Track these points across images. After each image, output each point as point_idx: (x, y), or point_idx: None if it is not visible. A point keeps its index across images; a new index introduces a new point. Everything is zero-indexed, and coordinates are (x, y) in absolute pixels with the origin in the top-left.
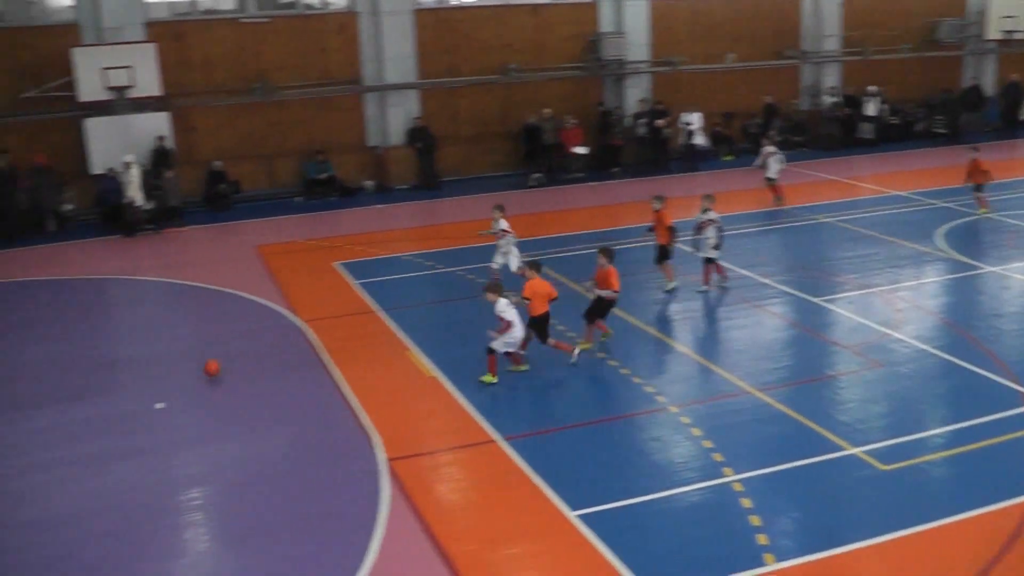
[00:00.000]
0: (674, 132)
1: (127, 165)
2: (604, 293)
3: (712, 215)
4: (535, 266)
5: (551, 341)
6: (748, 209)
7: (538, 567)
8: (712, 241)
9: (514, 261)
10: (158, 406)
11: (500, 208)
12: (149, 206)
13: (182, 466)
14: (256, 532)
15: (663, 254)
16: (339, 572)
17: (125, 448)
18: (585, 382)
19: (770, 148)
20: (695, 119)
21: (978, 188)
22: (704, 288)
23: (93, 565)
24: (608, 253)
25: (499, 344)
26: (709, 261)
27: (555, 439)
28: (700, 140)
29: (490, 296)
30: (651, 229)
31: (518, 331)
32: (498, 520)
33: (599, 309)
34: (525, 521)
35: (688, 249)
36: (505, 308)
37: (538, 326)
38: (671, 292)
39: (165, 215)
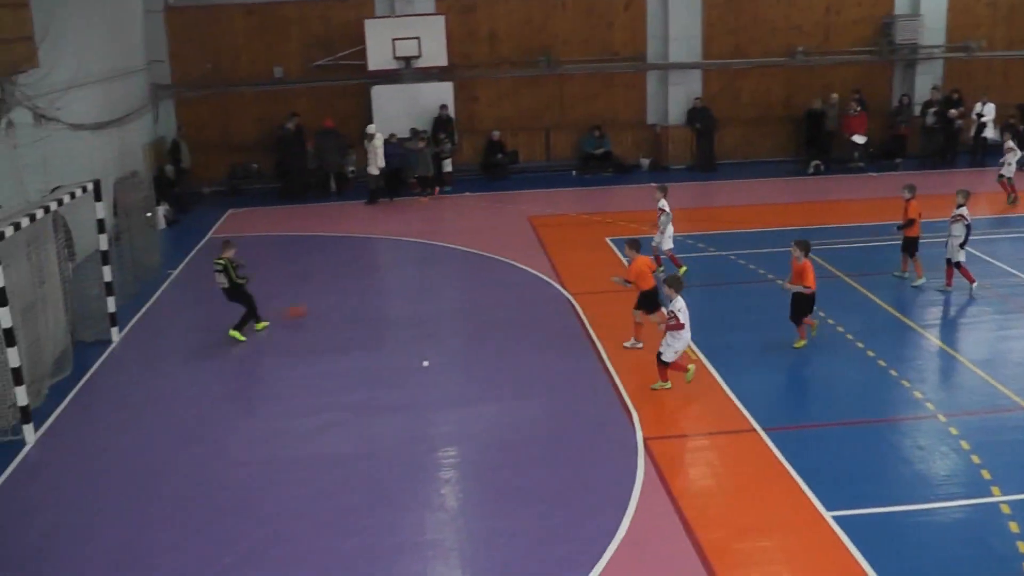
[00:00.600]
0: (967, 124)
1: (370, 136)
2: (795, 288)
3: (962, 211)
4: (635, 244)
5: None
6: None
7: (787, 562)
8: (958, 239)
9: (667, 242)
10: (424, 364)
11: (663, 189)
12: (379, 179)
13: (443, 423)
14: (510, 495)
15: (908, 246)
16: (588, 545)
17: (391, 401)
18: (852, 380)
19: (1010, 144)
20: (988, 110)
21: None
22: (946, 288)
23: (352, 507)
24: (803, 246)
25: (669, 354)
26: (953, 262)
27: (816, 435)
28: (991, 133)
29: (669, 291)
30: (900, 227)
31: (687, 334)
32: (751, 510)
33: (800, 307)
34: (778, 515)
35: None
36: (682, 308)
37: (647, 300)
38: (917, 287)
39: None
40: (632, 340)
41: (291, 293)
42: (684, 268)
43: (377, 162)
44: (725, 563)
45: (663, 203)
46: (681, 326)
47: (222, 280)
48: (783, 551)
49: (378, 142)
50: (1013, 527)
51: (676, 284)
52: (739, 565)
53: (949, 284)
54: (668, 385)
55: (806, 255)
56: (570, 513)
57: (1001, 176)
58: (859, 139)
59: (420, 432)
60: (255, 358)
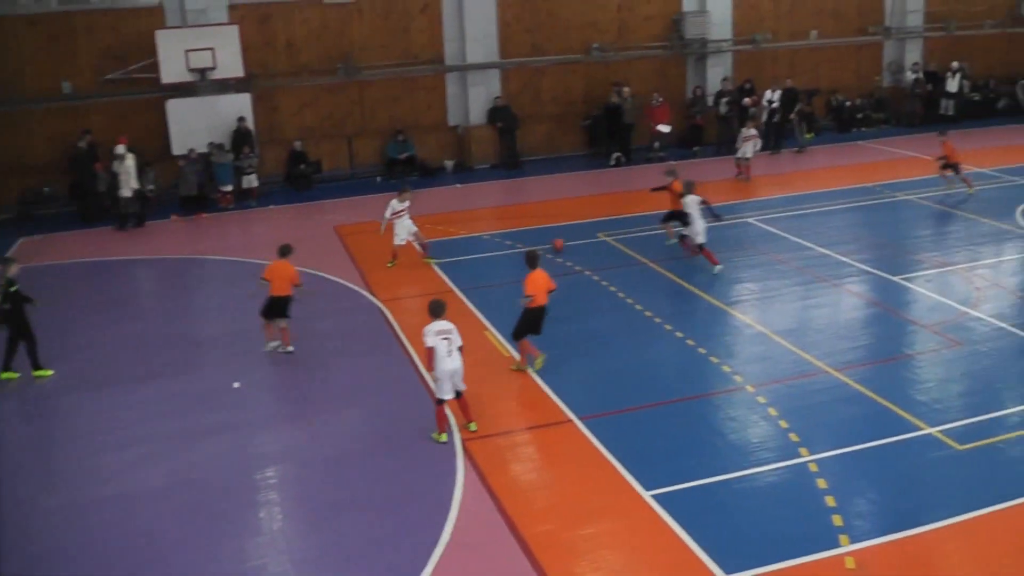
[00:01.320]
0: (759, 111)
1: (120, 156)
2: (523, 300)
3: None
4: (533, 258)
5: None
6: (828, 187)
7: (614, 546)
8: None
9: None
10: (236, 384)
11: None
12: (132, 202)
13: (261, 444)
14: (332, 511)
15: (672, 217)
16: (414, 552)
17: (205, 426)
18: (662, 361)
19: (751, 131)
20: (779, 97)
21: None
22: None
23: (177, 540)
24: (528, 258)
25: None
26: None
27: (631, 419)
28: (794, 115)
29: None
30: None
31: (441, 365)
32: (574, 500)
33: (524, 323)
34: (601, 501)
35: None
36: (430, 332)
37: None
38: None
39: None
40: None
41: (93, 323)
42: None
43: (130, 184)
44: (551, 555)
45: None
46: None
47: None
48: (608, 536)
49: (129, 163)
50: (821, 483)
51: (434, 309)
52: (566, 555)
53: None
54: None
55: (532, 268)
56: (395, 521)
57: (741, 159)
58: (664, 128)
59: (238, 455)
60: (57, 395)
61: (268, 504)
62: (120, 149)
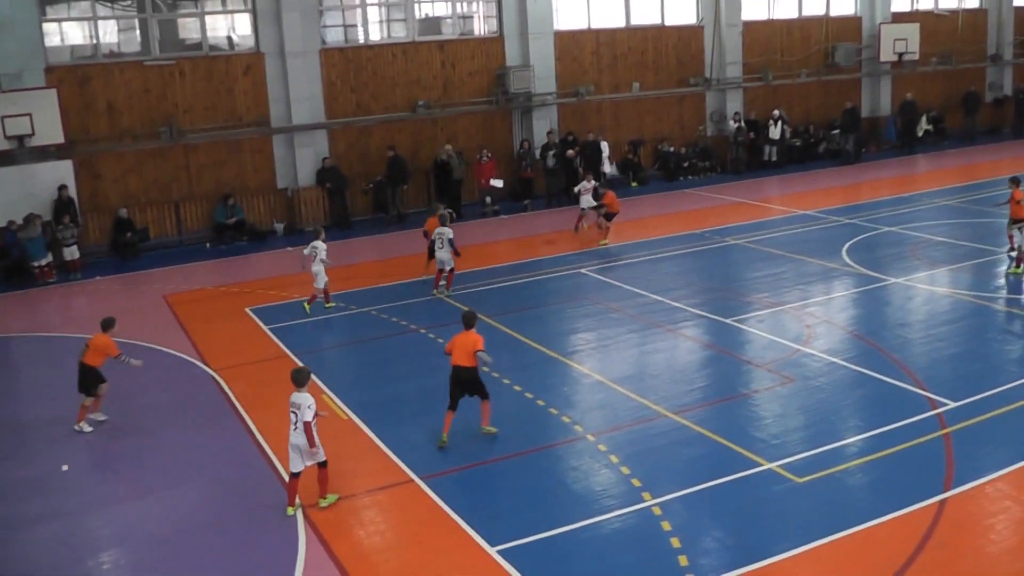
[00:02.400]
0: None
1: None
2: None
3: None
4: (469, 319)
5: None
6: (659, 235)
7: None
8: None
9: None
10: (64, 467)
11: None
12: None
13: (92, 530)
14: None
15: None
16: None
17: (32, 514)
18: (502, 416)
19: (588, 184)
20: (603, 147)
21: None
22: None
23: None
24: (466, 319)
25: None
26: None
27: (473, 475)
28: (609, 168)
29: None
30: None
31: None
32: (418, 560)
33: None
34: (446, 560)
35: None
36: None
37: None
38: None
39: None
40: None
41: None
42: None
43: None
44: None
45: None
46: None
47: None
48: None
49: None
50: (666, 526)
51: (295, 378)
52: None
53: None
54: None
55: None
56: None
57: (584, 209)
58: (496, 183)
59: (69, 542)
60: None
61: None
62: None
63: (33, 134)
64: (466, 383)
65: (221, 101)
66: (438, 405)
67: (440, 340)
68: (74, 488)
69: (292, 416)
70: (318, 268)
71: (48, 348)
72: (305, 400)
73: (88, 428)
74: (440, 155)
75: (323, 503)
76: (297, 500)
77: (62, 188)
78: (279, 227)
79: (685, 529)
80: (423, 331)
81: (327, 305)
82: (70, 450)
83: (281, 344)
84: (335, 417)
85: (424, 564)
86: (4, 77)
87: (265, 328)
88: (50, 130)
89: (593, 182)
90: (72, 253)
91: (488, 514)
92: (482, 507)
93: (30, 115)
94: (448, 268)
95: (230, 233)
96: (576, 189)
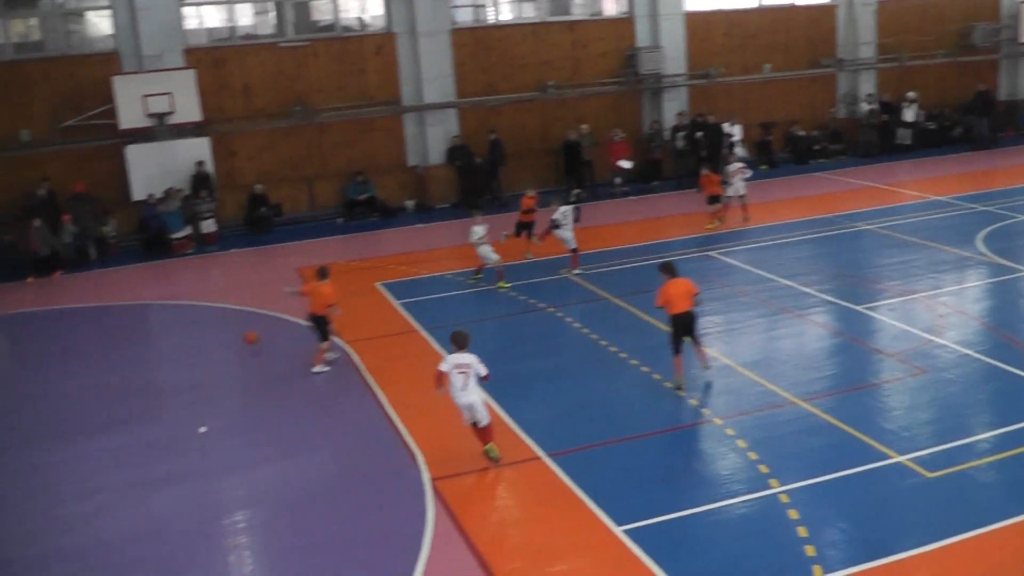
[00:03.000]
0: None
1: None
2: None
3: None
4: (671, 267)
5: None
6: (788, 219)
7: None
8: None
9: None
10: (201, 430)
11: None
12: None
13: (227, 490)
14: (302, 554)
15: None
16: None
17: (170, 473)
18: (630, 396)
19: (737, 164)
20: (736, 130)
21: None
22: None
23: None
24: (668, 268)
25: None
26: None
27: (600, 454)
28: (740, 151)
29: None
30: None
31: (454, 393)
32: (543, 537)
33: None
34: (571, 537)
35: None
36: (443, 363)
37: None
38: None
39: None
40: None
41: (54, 373)
42: None
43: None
44: None
45: None
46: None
47: None
48: (579, 572)
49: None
50: (792, 514)
51: (456, 340)
52: None
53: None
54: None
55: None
56: (365, 564)
57: (729, 197)
58: (625, 164)
59: (204, 501)
60: (12, 448)
61: (236, 549)
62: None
63: (173, 112)
64: (688, 325)
65: (353, 81)
66: (566, 384)
67: (568, 319)
68: (209, 450)
69: (458, 378)
70: (483, 249)
71: (184, 316)
72: (474, 358)
73: (325, 368)
74: (570, 135)
75: (493, 452)
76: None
77: (200, 164)
78: (409, 204)
79: (812, 519)
80: (551, 310)
81: (474, 277)
82: (206, 414)
83: (411, 319)
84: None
85: (549, 541)
86: (146, 58)
87: (395, 303)
88: (189, 109)
89: (738, 164)
90: (209, 226)
91: (614, 493)
92: (608, 486)
93: (170, 94)
94: (572, 248)
95: (361, 209)
96: (724, 171)
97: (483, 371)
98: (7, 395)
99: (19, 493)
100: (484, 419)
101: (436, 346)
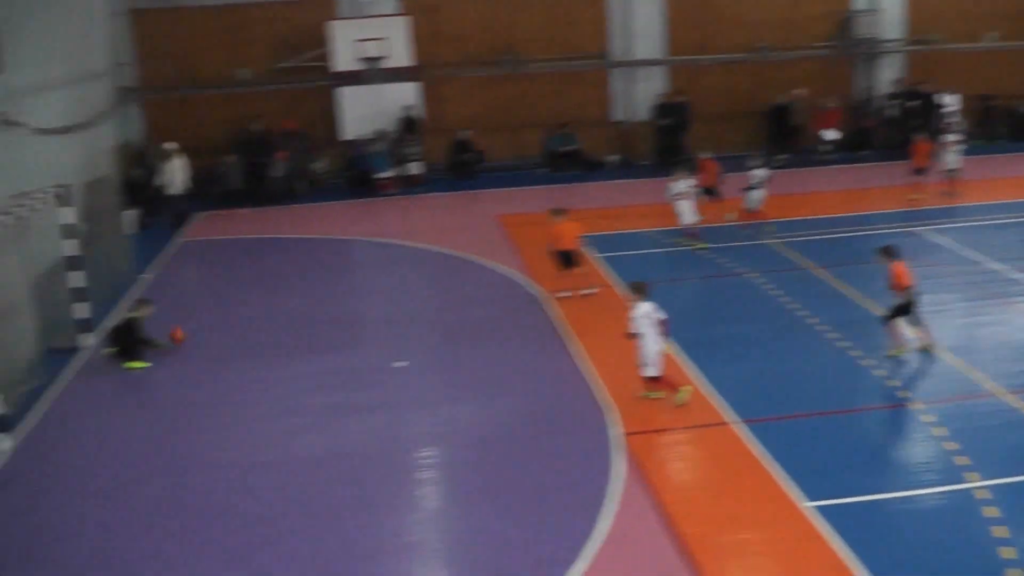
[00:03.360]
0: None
1: (168, 154)
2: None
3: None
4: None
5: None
6: (1004, 199)
7: (769, 554)
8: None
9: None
10: (397, 364)
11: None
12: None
13: (418, 424)
14: (487, 495)
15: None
16: (569, 543)
17: (365, 402)
18: (826, 371)
19: (952, 136)
20: (953, 101)
21: None
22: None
23: (330, 509)
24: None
25: (647, 369)
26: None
27: (793, 426)
28: (956, 122)
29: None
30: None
31: (650, 344)
32: (730, 503)
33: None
34: (758, 507)
35: None
36: (640, 315)
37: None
38: None
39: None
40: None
41: (259, 297)
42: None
43: (177, 183)
44: (707, 557)
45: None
46: (633, 336)
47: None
48: (765, 543)
49: (178, 162)
50: (990, 512)
51: (638, 289)
52: (721, 558)
53: None
54: (659, 395)
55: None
56: (550, 511)
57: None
58: (829, 134)
59: (396, 433)
60: (228, 362)
61: (423, 483)
62: (169, 146)
63: (385, 57)
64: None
65: (563, 33)
66: (762, 352)
67: (767, 286)
68: (406, 384)
69: (651, 326)
70: (680, 206)
71: (387, 253)
72: (654, 306)
73: (568, 294)
74: (781, 99)
75: (682, 394)
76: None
77: (409, 108)
78: (612, 159)
79: (1013, 520)
80: (750, 275)
81: (677, 241)
82: (403, 349)
83: (609, 272)
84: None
85: (734, 508)
86: (363, 4)
87: (594, 256)
88: (400, 54)
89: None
90: (414, 169)
91: (804, 468)
92: (799, 460)
93: (383, 39)
94: (753, 208)
95: (563, 161)
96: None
97: (663, 314)
98: (221, 315)
99: (226, 407)
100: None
101: None
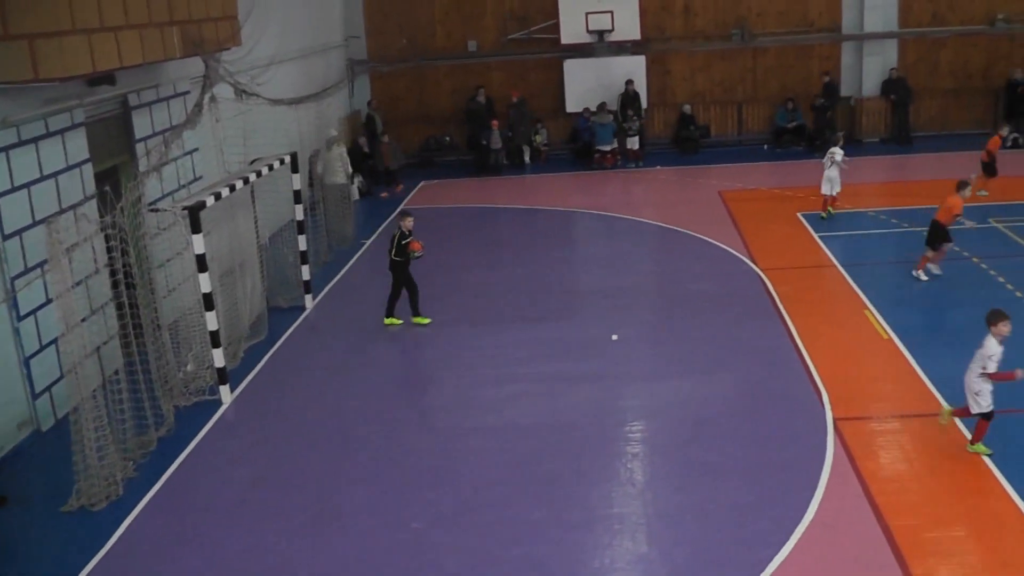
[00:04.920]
0: None
1: (330, 142)
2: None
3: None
4: None
5: None
6: None
7: (982, 554)
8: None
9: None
10: (614, 337)
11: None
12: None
13: (630, 397)
14: (696, 471)
15: None
16: (778, 524)
17: (581, 373)
18: None
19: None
20: None
21: None
22: None
23: (542, 476)
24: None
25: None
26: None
27: (1011, 420)
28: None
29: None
30: None
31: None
32: (942, 497)
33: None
34: (972, 503)
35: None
36: (994, 354)
37: None
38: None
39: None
40: None
41: (482, 264)
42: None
43: (345, 169)
44: (916, 552)
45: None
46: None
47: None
48: (977, 542)
49: (339, 151)
50: None
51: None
52: (931, 555)
53: None
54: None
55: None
56: (759, 491)
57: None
58: None
59: (609, 405)
60: (444, 328)
61: (634, 456)
62: (333, 133)
63: (612, 30)
64: None
65: (794, 6)
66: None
67: (993, 272)
68: (620, 357)
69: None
70: (832, 173)
71: (605, 226)
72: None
73: (924, 276)
74: (1015, 74)
75: (971, 448)
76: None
77: (629, 83)
78: (837, 136)
79: None
80: (976, 260)
81: (823, 215)
82: (622, 321)
83: (828, 252)
84: (876, 336)
85: (948, 503)
86: None
87: (815, 235)
88: (628, 27)
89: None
90: (633, 143)
91: (1022, 464)
92: (1017, 456)
93: (611, 12)
94: (828, 192)
95: (789, 137)
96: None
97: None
98: (442, 280)
99: (445, 370)
100: (974, 406)
101: (852, 283)
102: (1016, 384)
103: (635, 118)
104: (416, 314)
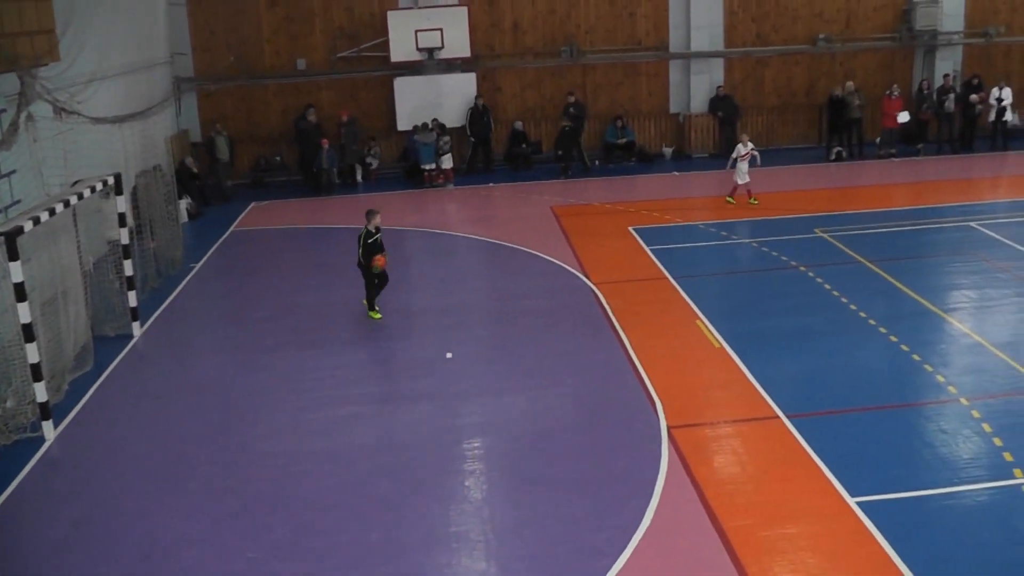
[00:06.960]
0: (986, 108)
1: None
2: None
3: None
4: None
5: None
6: None
7: (813, 549)
8: None
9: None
10: (448, 355)
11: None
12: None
13: (467, 415)
14: (533, 485)
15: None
16: (614, 534)
17: (416, 392)
18: (875, 365)
19: None
20: (1007, 95)
21: None
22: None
23: (378, 498)
24: None
25: None
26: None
27: (840, 421)
28: (1012, 118)
29: None
30: None
31: None
32: (776, 498)
33: None
34: (803, 502)
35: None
36: None
37: None
38: None
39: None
40: None
41: (313, 285)
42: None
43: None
44: (750, 551)
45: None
46: None
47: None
48: (809, 538)
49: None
50: None
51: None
52: (765, 553)
53: None
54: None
55: None
56: (595, 503)
57: None
58: (903, 117)
59: (446, 423)
60: (276, 351)
61: (471, 473)
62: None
63: (443, 47)
64: None
65: (622, 24)
66: (812, 344)
67: (819, 280)
68: (455, 375)
69: None
70: (741, 166)
71: (437, 243)
72: None
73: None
74: (835, 91)
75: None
76: None
77: (477, 98)
78: (667, 151)
79: None
80: (803, 269)
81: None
82: (454, 339)
83: (660, 265)
84: (708, 345)
85: (781, 503)
86: None
87: (646, 248)
88: (458, 44)
89: None
90: (446, 162)
91: (850, 463)
92: (845, 455)
93: (441, 30)
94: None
95: (619, 153)
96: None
97: None
98: (274, 302)
99: (277, 395)
100: None
101: (683, 294)
102: (850, 384)
103: (446, 138)
104: (372, 308)
